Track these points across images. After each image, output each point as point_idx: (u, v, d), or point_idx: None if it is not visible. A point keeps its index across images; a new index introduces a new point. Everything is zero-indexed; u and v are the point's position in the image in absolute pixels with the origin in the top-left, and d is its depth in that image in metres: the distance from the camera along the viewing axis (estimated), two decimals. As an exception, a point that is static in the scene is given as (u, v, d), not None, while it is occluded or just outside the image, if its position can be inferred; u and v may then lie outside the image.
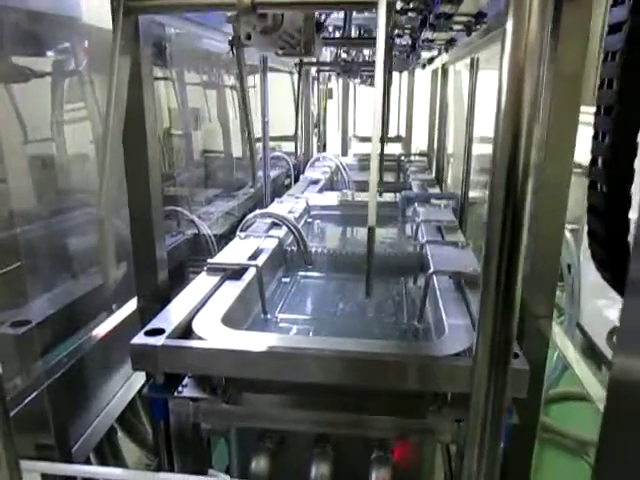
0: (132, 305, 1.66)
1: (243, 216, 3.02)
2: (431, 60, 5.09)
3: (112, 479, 1.22)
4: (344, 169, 3.82)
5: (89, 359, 1.50)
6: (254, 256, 1.87)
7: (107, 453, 1.70)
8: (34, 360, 1.32)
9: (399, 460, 1.31)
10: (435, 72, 5.04)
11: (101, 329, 1.63)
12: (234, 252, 1.89)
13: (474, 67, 2.70)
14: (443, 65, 4.02)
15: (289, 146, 4.17)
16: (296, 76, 4.84)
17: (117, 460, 1.75)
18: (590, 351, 3.41)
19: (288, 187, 3.69)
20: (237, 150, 3.63)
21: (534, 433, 1.45)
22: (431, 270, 1.66)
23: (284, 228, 2.18)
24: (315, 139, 4.84)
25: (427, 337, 1.57)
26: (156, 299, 1.60)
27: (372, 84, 5.58)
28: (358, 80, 5.02)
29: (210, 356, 1.22)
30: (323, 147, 5.27)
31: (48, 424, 1.26)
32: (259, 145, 2.91)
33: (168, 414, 1.32)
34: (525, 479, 1.46)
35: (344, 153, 5.41)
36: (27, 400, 1.16)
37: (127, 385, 1.75)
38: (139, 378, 1.79)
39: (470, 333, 1.31)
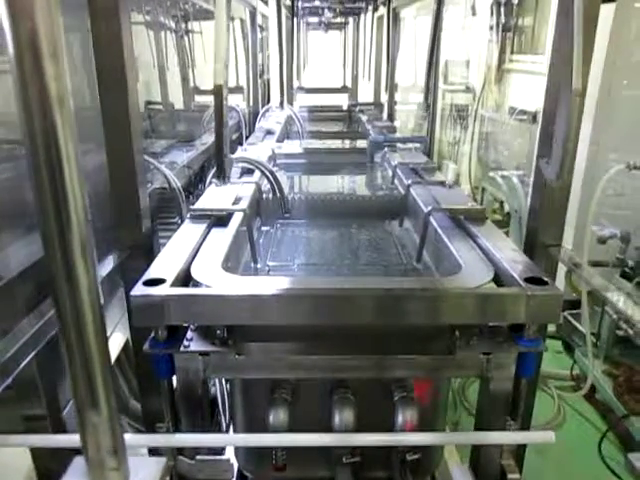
0: (108, 262, 1.49)
1: (202, 167, 2.84)
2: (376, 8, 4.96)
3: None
4: (298, 120, 3.68)
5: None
6: (236, 202, 1.73)
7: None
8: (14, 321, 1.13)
9: (421, 400, 1.27)
10: (380, 18, 4.93)
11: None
12: (215, 198, 1.74)
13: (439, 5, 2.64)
14: (394, 9, 3.91)
15: (232, 99, 3.95)
16: (237, 23, 4.58)
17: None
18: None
19: (240, 142, 3.49)
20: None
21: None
22: (428, 208, 1.60)
23: (256, 174, 2.04)
24: (260, 90, 4.63)
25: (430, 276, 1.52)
26: (140, 251, 1.46)
27: (328, 28, 5.37)
28: (316, 20, 4.76)
29: (224, 303, 1.10)
30: (267, 98, 5.05)
31: (38, 393, 1.11)
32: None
33: (172, 372, 1.20)
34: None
35: (290, 104, 5.23)
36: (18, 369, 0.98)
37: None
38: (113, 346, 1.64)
39: (487, 267, 1.27)
